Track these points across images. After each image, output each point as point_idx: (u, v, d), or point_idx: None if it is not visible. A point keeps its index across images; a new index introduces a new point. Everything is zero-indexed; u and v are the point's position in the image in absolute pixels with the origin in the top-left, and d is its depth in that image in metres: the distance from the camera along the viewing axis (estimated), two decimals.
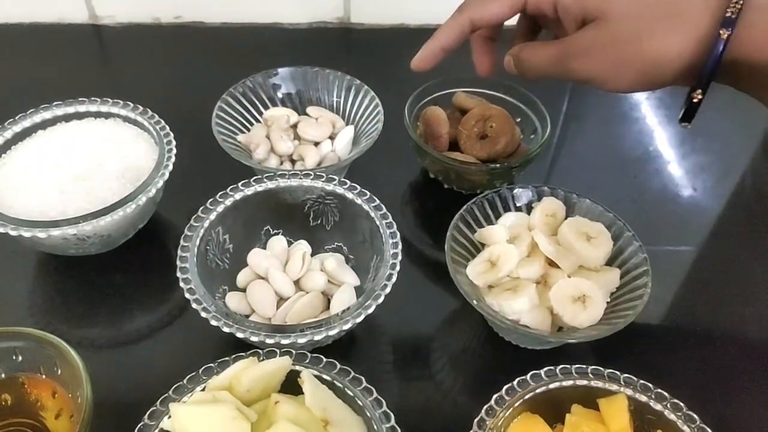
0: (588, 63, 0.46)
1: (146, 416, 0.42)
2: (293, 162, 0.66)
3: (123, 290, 0.59)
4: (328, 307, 0.55)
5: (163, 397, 0.43)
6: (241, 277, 0.56)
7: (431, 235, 0.65)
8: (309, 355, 0.45)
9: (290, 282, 0.55)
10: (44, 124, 0.62)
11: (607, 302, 0.52)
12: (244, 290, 0.56)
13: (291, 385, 0.44)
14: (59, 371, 0.48)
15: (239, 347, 0.48)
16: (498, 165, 0.63)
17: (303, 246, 0.58)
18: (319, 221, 0.59)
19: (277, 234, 0.59)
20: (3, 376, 0.48)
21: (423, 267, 0.62)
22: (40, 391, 0.48)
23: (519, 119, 0.69)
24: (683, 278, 0.62)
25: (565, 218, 0.57)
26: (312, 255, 0.58)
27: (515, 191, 0.59)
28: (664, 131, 0.78)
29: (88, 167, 0.59)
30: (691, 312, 0.60)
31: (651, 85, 0.46)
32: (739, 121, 0.78)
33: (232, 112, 0.67)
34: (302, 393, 0.43)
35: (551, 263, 0.54)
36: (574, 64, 0.47)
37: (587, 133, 0.78)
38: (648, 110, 0.81)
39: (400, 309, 0.56)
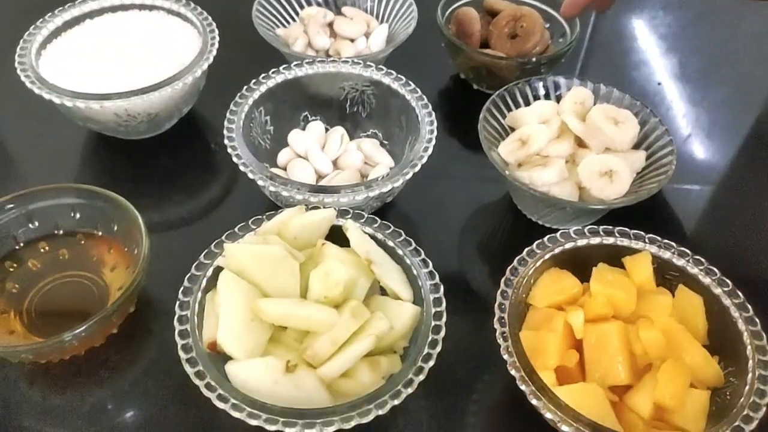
0: None
1: (202, 256, 0.45)
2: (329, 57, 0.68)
3: (169, 171, 0.62)
4: None
5: (216, 241, 0.46)
6: (282, 157, 0.59)
7: (461, 135, 0.66)
8: (351, 210, 0.48)
9: (329, 160, 0.58)
10: (92, 14, 0.64)
11: (633, 180, 0.54)
12: (284, 169, 0.58)
13: (335, 241, 0.46)
14: (115, 227, 0.51)
15: None
16: (528, 59, 0.65)
17: (340, 130, 0.60)
18: (355, 109, 0.62)
19: (315, 120, 0.61)
20: (62, 232, 0.52)
21: (453, 164, 0.64)
22: (97, 246, 0.52)
23: (548, 25, 0.70)
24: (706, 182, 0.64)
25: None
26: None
27: (546, 80, 0.61)
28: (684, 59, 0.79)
29: (135, 55, 0.61)
30: (715, 201, 0.62)
31: None
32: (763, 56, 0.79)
33: (271, 9, 0.69)
34: (346, 247, 0.46)
35: (580, 144, 0.56)
36: None
37: (614, 43, 0.80)
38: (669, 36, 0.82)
39: (431, 197, 0.59)
